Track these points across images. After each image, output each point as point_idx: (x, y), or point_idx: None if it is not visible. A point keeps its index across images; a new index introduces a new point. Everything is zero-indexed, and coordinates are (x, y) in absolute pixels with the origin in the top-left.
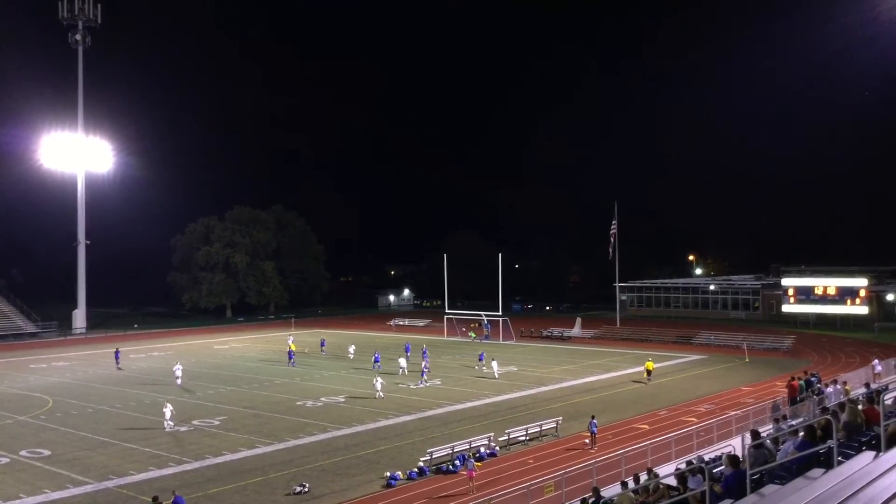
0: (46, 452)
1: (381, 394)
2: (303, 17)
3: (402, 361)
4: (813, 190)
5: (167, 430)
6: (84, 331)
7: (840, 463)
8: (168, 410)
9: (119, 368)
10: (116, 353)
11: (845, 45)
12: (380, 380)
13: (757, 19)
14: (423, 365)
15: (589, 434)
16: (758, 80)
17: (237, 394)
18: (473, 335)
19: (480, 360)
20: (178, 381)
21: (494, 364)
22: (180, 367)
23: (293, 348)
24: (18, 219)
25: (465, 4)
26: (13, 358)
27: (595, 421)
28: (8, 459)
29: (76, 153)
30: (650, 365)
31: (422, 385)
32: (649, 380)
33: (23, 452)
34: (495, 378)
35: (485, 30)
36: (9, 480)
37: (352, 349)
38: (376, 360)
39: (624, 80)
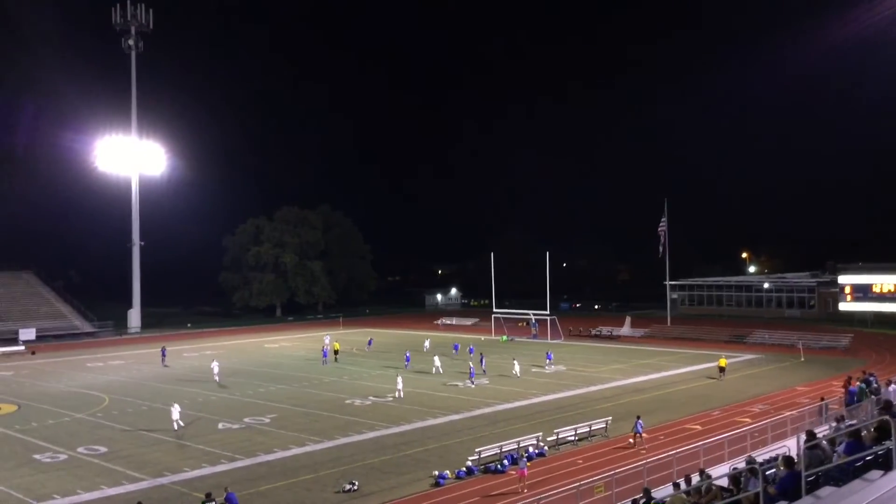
0: (103, 449)
1: (400, 393)
2: (350, 12)
3: (437, 360)
4: (869, 186)
5: (176, 429)
6: (139, 330)
7: None
8: (176, 411)
9: (165, 366)
10: (163, 350)
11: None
12: (400, 379)
13: (811, 18)
14: (472, 366)
15: (633, 434)
16: (810, 77)
17: (287, 392)
18: (504, 338)
19: (549, 359)
20: (216, 378)
21: (516, 363)
22: (217, 365)
23: (337, 347)
24: (75, 221)
25: None
26: (71, 357)
27: (641, 422)
28: (66, 456)
29: (130, 156)
30: (723, 362)
31: (471, 384)
32: (723, 376)
33: (80, 449)
34: (517, 377)
35: (534, 21)
36: (67, 476)
37: (427, 343)
38: (407, 360)
39: (673, 75)
